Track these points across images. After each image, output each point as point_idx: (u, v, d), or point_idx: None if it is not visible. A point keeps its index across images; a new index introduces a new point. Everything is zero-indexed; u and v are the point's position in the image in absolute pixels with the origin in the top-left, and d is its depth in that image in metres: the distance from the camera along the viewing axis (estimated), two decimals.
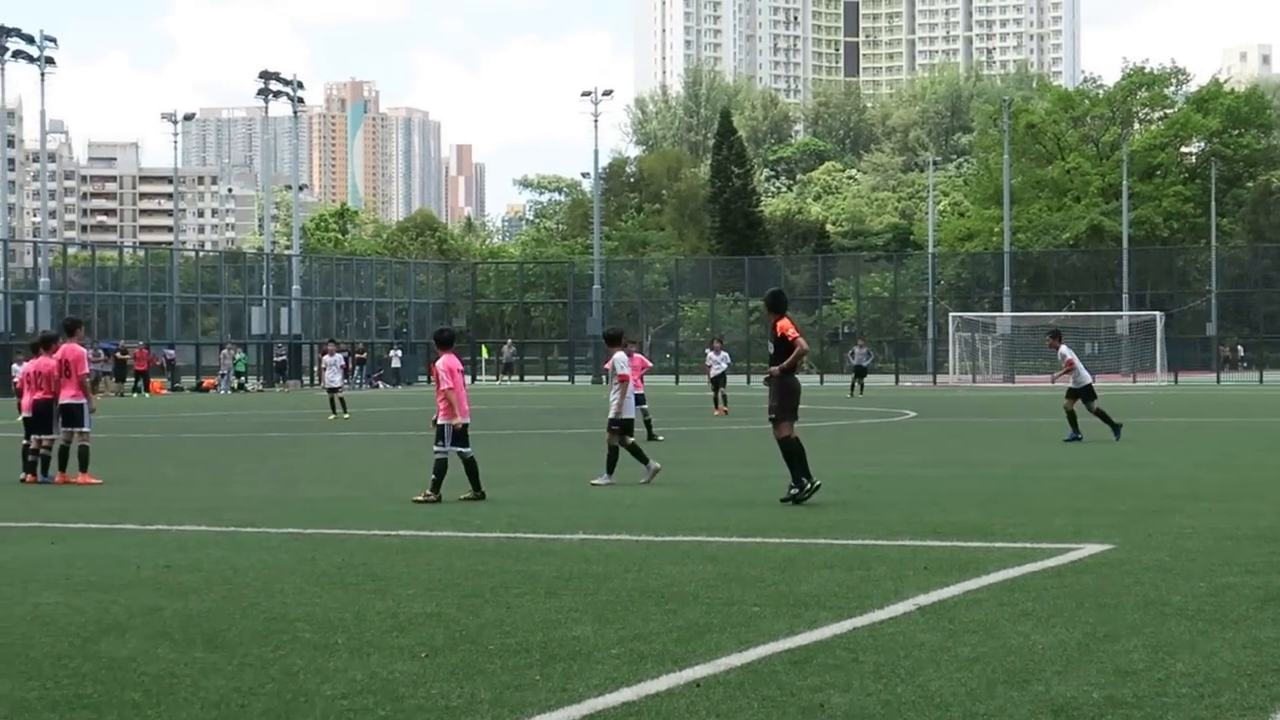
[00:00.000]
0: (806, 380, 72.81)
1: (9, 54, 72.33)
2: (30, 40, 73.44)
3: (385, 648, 9.17)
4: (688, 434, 32.99)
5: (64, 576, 12.18)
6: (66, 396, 21.61)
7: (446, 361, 18.43)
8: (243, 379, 72.13)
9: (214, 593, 11.32)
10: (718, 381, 42.34)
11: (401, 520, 16.02)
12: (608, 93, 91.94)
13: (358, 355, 76.56)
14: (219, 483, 21.91)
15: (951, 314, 79.93)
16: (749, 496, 18.41)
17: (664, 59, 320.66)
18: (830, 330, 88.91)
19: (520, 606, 10.55)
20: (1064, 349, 30.01)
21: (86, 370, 21.89)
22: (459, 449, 18.23)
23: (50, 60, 74.20)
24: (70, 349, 21.74)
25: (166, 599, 11.02)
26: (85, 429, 21.64)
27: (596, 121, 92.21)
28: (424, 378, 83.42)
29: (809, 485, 17.11)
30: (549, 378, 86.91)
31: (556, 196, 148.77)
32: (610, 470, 20.28)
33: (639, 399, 29.97)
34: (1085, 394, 29.25)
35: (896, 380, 76.09)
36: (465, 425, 18.40)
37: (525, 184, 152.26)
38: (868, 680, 8.15)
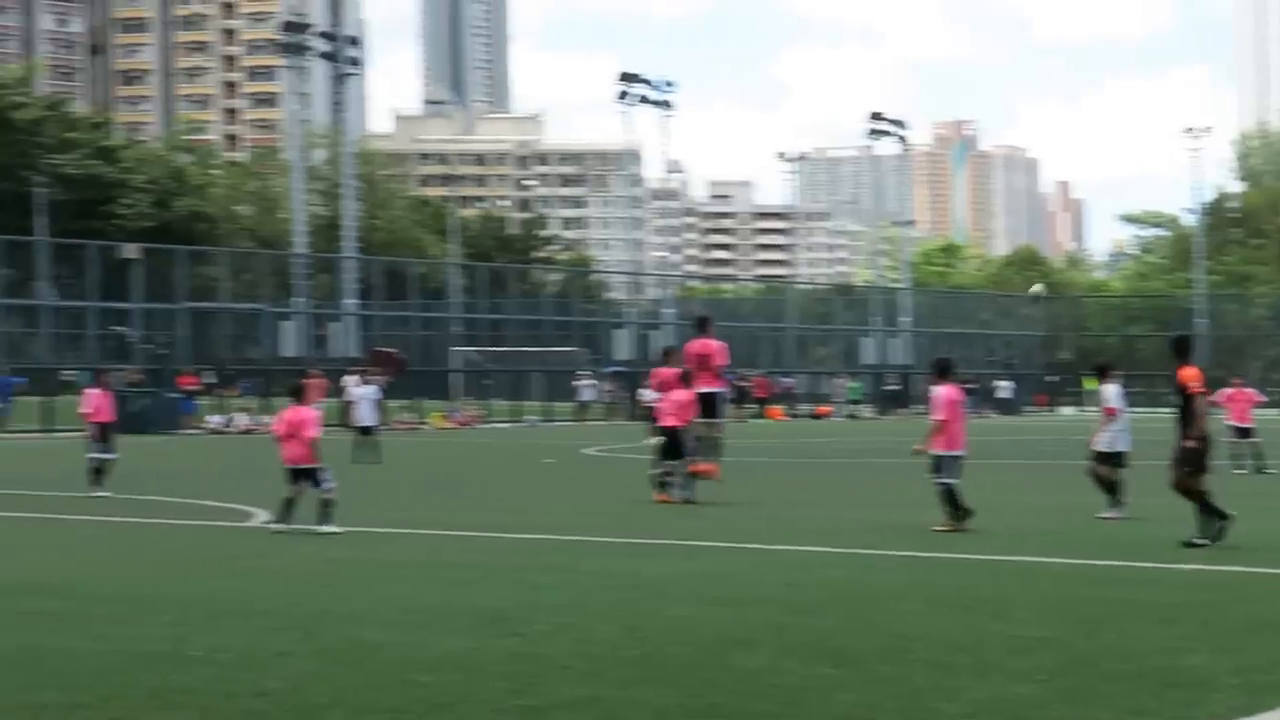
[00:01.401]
0: None
1: (634, 98, 76.50)
2: (652, 86, 77.52)
3: (1004, 669, 9.37)
4: None
5: (696, 592, 12.89)
6: (702, 386, 23.14)
7: (947, 392, 18.33)
8: (856, 407, 73.56)
9: (837, 610, 11.78)
10: None
11: (1015, 546, 16.14)
12: (1207, 129, 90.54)
13: (967, 386, 76.62)
14: (837, 506, 22.59)
15: None
16: None
17: (1266, 94, 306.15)
18: None
19: (1133, 633, 10.60)
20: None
21: (725, 362, 24.23)
22: (943, 479, 17.99)
23: (669, 104, 78.02)
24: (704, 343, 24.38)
25: (791, 615, 11.52)
26: (718, 420, 23.34)
27: (1196, 157, 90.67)
28: (1031, 407, 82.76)
29: (1222, 527, 16.06)
30: (1154, 410, 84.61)
31: (1158, 231, 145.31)
32: (1116, 502, 19.35)
33: (1246, 431, 29.33)
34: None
35: None
36: (958, 456, 18.19)
37: (1128, 219, 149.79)
38: None
